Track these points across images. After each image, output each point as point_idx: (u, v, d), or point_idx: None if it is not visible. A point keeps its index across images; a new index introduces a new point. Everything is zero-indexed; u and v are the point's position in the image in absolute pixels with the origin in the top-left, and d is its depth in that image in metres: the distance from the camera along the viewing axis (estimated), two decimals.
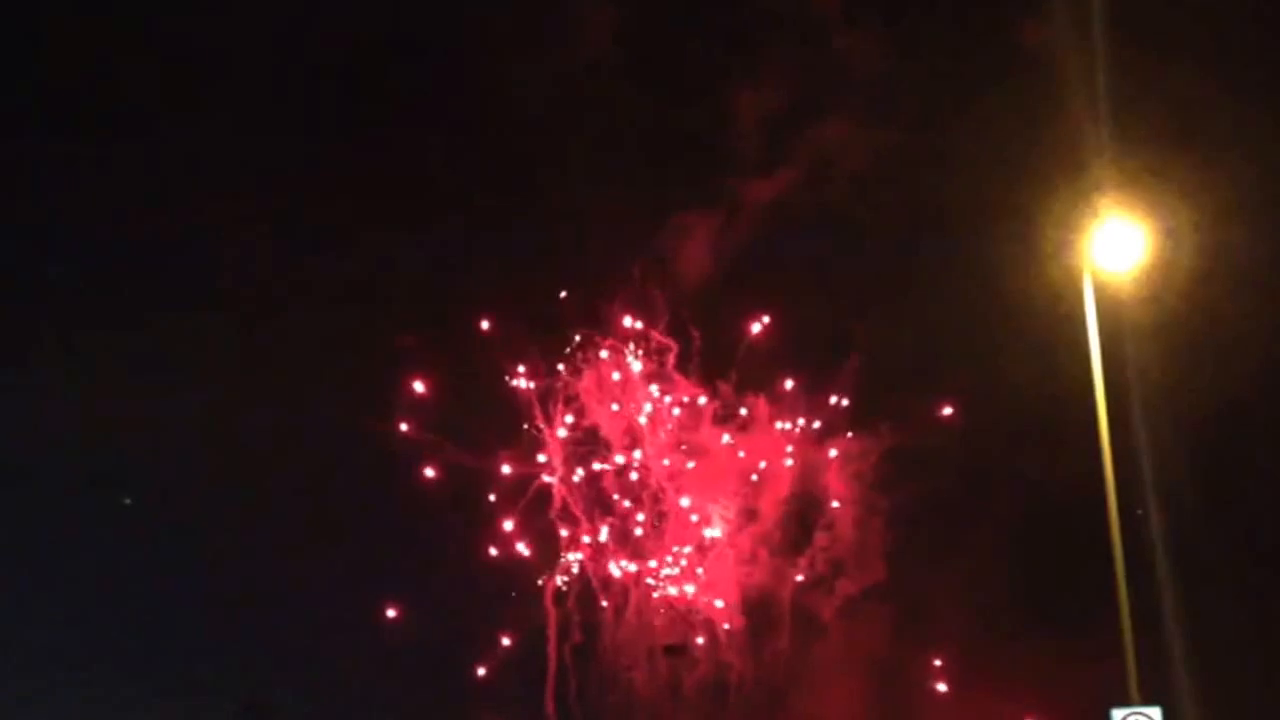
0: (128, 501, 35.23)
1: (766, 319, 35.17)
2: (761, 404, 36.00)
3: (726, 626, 35.79)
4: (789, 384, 35.67)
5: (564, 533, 36.08)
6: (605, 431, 36.54)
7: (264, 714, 34.82)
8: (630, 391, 36.28)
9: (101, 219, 34.50)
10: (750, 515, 36.19)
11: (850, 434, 35.33)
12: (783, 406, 36.06)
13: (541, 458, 36.18)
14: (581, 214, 33.85)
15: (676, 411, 36.57)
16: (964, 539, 32.22)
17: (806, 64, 33.32)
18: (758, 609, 35.80)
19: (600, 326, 36.23)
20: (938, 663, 33.75)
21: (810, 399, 35.90)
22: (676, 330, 35.96)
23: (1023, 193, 28.63)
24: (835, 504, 35.71)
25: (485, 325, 35.66)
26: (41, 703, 33.51)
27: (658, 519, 36.47)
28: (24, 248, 35.17)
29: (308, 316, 34.97)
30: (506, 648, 35.25)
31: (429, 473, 35.17)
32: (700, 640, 36.04)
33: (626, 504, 36.34)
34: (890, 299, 33.14)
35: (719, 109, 34.01)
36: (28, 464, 33.66)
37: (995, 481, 32.10)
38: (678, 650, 35.28)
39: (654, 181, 34.54)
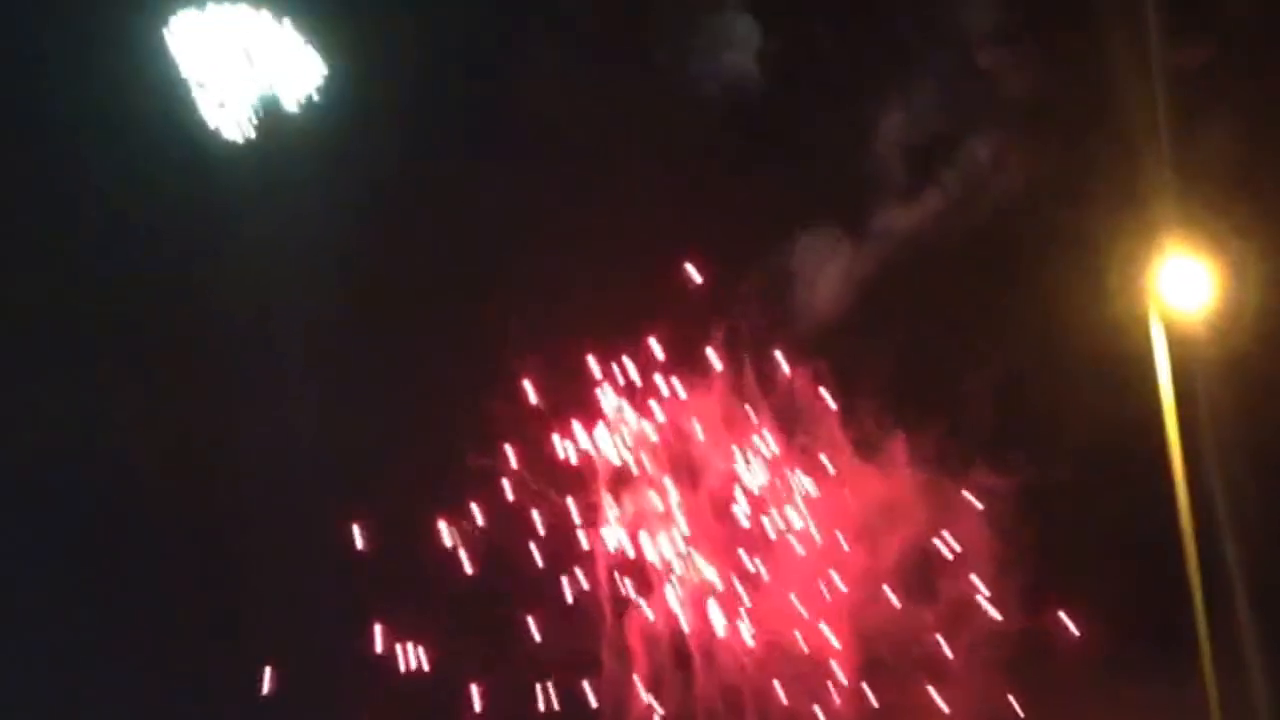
0: None
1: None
2: (898, 441, 35.22)
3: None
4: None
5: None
6: (708, 461, 35.86)
7: None
8: (738, 423, 35.63)
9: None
10: (870, 553, 35.38)
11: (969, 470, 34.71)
12: (904, 440, 35.28)
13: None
14: (692, 231, 33.35)
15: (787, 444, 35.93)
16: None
17: (859, 91, 33.23)
18: (875, 657, 35.06)
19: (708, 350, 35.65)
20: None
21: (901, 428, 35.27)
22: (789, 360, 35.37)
23: (1087, 230, 28.32)
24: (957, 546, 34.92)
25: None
26: None
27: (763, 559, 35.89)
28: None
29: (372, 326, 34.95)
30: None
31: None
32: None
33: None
34: (952, 343, 32.86)
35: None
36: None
37: (1066, 524, 31.63)
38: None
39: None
